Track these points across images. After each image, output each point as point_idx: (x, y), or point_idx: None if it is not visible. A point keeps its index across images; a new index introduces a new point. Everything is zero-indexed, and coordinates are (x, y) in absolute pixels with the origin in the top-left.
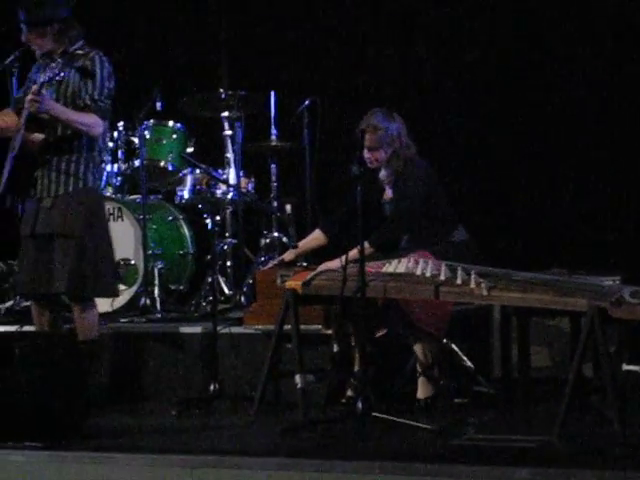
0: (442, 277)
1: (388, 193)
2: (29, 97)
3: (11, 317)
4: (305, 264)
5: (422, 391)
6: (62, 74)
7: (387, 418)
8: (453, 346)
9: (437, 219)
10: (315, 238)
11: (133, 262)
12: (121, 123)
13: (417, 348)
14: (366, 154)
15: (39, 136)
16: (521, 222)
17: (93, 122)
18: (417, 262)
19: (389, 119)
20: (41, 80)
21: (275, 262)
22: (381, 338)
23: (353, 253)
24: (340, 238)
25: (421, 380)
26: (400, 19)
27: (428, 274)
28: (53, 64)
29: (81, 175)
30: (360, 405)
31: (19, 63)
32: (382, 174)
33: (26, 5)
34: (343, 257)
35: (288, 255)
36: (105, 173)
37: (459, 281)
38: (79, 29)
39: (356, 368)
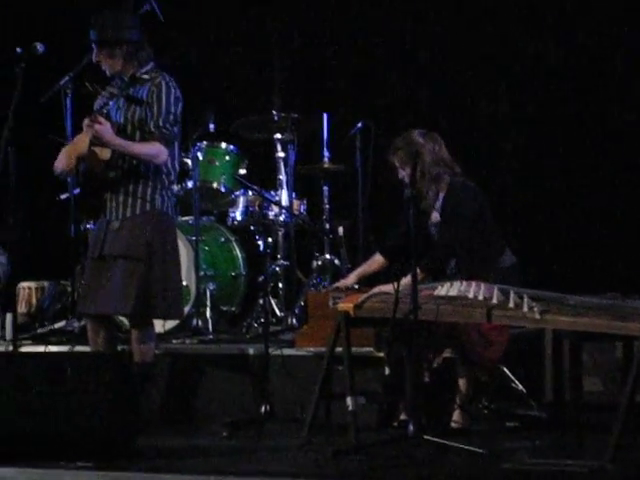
0: (494, 300)
1: (434, 216)
2: (87, 123)
3: (63, 337)
4: (357, 286)
5: (457, 421)
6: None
7: (438, 442)
8: (505, 370)
9: (484, 243)
10: (375, 261)
11: (185, 283)
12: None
13: (460, 379)
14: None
15: (106, 154)
16: (574, 245)
17: (156, 152)
18: (470, 285)
19: (415, 135)
20: (103, 110)
21: (332, 288)
22: (440, 365)
23: (406, 279)
24: (397, 260)
25: (457, 411)
26: (454, 44)
27: (480, 297)
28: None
29: (149, 198)
30: (411, 428)
31: (73, 84)
32: (427, 197)
33: (98, 25)
34: (396, 282)
35: (351, 279)
36: None
37: (511, 304)
38: (150, 52)
39: (408, 391)
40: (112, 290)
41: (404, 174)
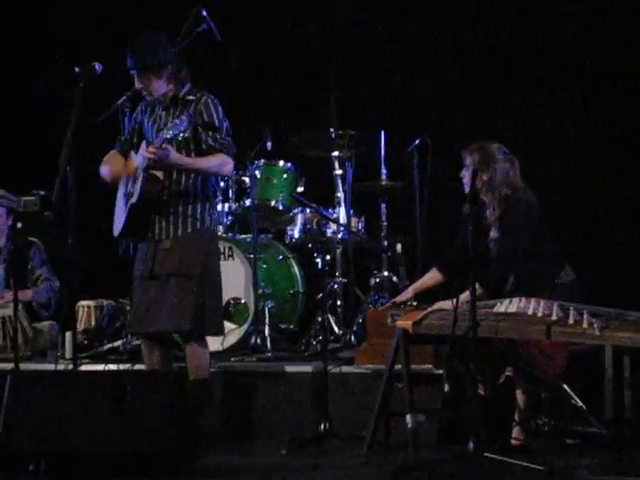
0: (554, 317)
1: (493, 233)
2: (150, 152)
3: (123, 356)
4: (415, 303)
5: (516, 438)
6: (179, 125)
7: (498, 459)
8: (564, 386)
9: (543, 259)
10: (432, 277)
11: (243, 301)
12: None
13: (519, 396)
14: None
15: (159, 177)
16: (634, 261)
17: (222, 162)
18: (529, 302)
19: (493, 148)
20: (165, 137)
21: (389, 304)
22: (502, 383)
23: (465, 295)
24: (453, 276)
25: (517, 428)
26: (515, 60)
27: (540, 314)
28: (162, 110)
29: (198, 216)
30: (471, 445)
31: (130, 103)
32: (487, 213)
33: (138, 50)
34: (454, 299)
35: (406, 295)
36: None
37: (571, 321)
38: (187, 72)
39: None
40: (168, 308)
41: (467, 175)
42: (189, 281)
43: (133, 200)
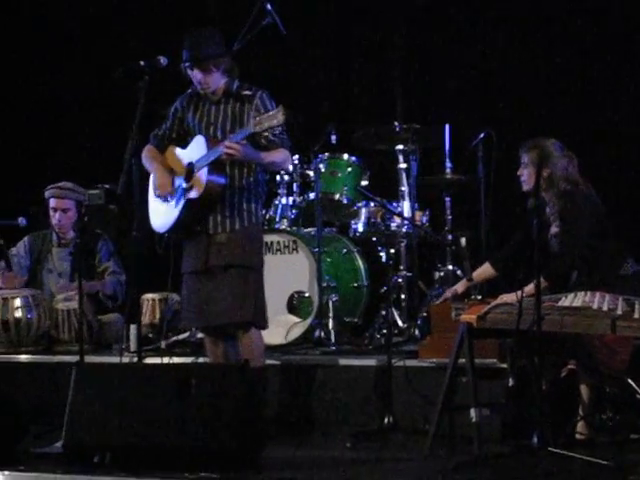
0: (619, 311)
1: (554, 228)
2: (227, 147)
3: (187, 349)
4: (480, 297)
5: (581, 433)
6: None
7: (563, 453)
8: (629, 381)
9: (605, 252)
10: (484, 271)
11: (307, 294)
12: (296, 156)
13: (583, 390)
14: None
15: (223, 172)
16: None
17: (285, 157)
18: (594, 296)
19: (551, 145)
20: (240, 135)
21: (448, 294)
22: (564, 376)
23: (529, 288)
24: (512, 271)
25: (581, 423)
26: (575, 54)
27: (605, 308)
28: (211, 105)
29: (253, 210)
30: (535, 439)
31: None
32: (548, 209)
33: (197, 42)
34: (519, 292)
35: (460, 286)
36: (280, 206)
37: (636, 315)
38: (237, 67)
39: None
40: (229, 299)
41: (524, 172)
42: (249, 272)
43: (193, 195)
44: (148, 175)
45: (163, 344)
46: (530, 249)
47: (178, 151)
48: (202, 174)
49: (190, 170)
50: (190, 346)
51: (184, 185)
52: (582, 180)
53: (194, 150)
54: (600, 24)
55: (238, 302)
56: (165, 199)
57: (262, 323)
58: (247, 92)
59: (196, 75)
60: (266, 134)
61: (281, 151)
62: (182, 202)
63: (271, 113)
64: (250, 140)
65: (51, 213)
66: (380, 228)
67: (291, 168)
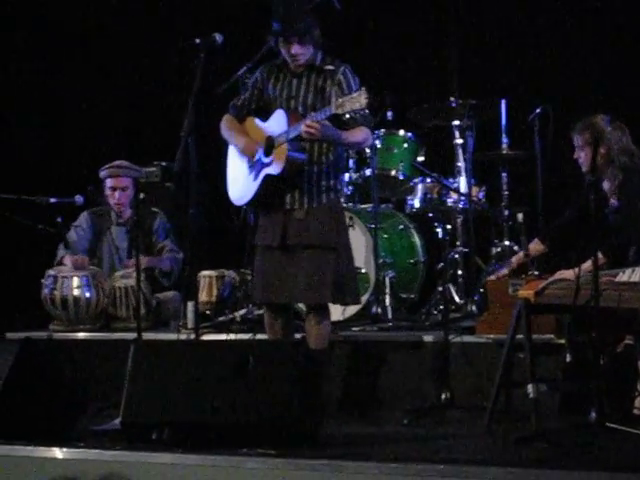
0: None
1: (613, 203)
2: (307, 126)
3: (245, 325)
4: (537, 273)
5: (638, 408)
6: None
7: (620, 428)
8: None
9: None
10: (534, 247)
11: (364, 271)
12: None
13: None
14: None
15: (305, 148)
16: None
17: (365, 136)
18: None
19: (602, 120)
20: (321, 115)
21: (505, 270)
22: (621, 351)
23: (587, 265)
24: (563, 247)
25: (638, 398)
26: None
27: None
28: (294, 77)
29: (332, 187)
30: (593, 415)
31: (250, 74)
32: (605, 184)
33: (294, 15)
34: (577, 268)
35: (516, 260)
36: None
37: None
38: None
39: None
40: (306, 279)
41: (582, 155)
42: (328, 252)
43: (273, 171)
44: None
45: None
46: (587, 225)
47: (258, 123)
48: (283, 150)
49: (270, 144)
50: (248, 323)
51: (264, 159)
52: (637, 150)
53: (274, 124)
54: None
55: (315, 282)
56: (249, 170)
57: (350, 300)
58: (330, 66)
59: (290, 47)
60: (350, 113)
61: (362, 129)
62: (261, 176)
63: (354, 95)
64: (330, 117)
65: (109, 193)
66: (436, 204)
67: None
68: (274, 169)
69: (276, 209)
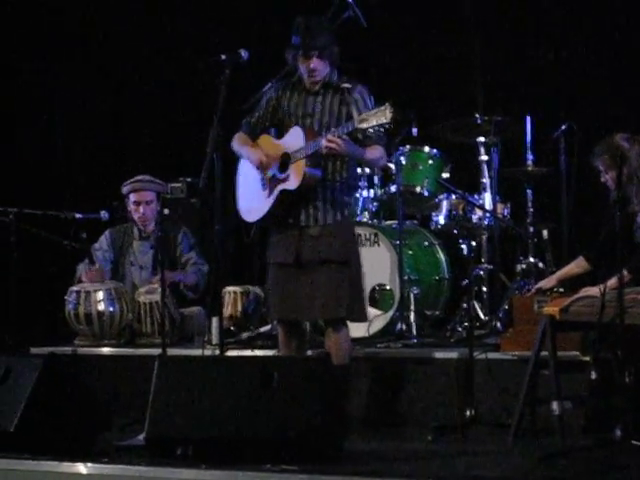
0: None
1: (639, 219)
2: (328, 141)
3: (269, 341)
4: (562, 290)
5: None
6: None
7: None
8: None
9: None
10: (578, 265)
11: (389, 287)
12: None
13: None
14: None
15: (321, 164)
16: None
17: (380, 155)
18: None
19: (620, 139)
20: (343, 129)
21: (534, 290)
22: None
23: (612, 282)
24: (607, 264)
25: None
26: None
27: None
28: (309, 95)
29: (346, 203)
30: (618, 433)
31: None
32: (633, 201)
33: (314, 30)
34: (602, 285)
35: (548, 282)
36: (361, 199)
37: None
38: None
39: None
40: (323, 296)
41: (608, 178)
42: (344, 267)
43: (290, 186)
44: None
45: (245, 336)
46: (614, 242)
47: (272, 140)
48: (300, 165)
49: (286, 160)
50: (272, 339)
51: (279, 175)
52: None
53: (290, 141)
54: None
55: (333, 299)
56: (262, 187)
57: (358, 317)
58: (346, 85)
59: (309, 62)
60: (365, 131)
61: (377, 148)
62: (276, 192)
63: (378, 110)
64: (347, 134)
65: (133, 207)
66: (461, 220)
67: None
68: (290, 184)
69: (290, 226)
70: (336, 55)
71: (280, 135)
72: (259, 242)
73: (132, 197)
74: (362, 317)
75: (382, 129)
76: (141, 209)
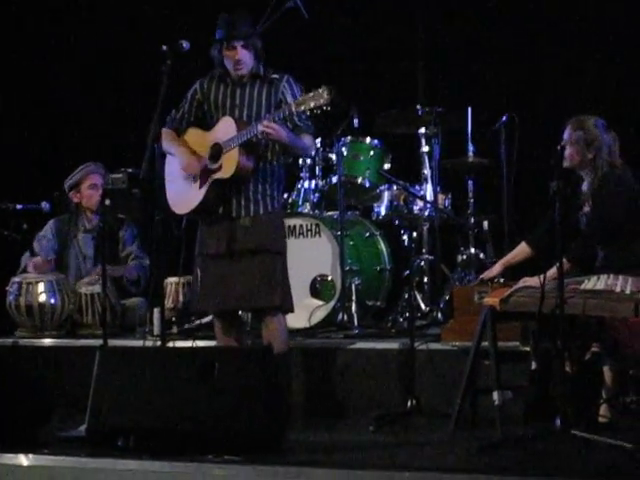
0: None
1: (586, 207)
2: (265, 126)
3: (210, 332)
4: (502, 280)
5: (604, 416)
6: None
7: (586, 436)
8: None
9: (633, 236)
10: (521, 251)
11: (330, 278)
12: (319, 140)
13: (606, 373)
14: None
15: (254, 153)
16: None
17: (311, 143)
18: (617, 279)
19: (599, 125)
20: (279, 115)
21: (477, 281)
22: (587, 359)
23: (552, 272)
24: (542, 250)
25: (605, 406)
26: (599, 34)
27: (628, 291)
28: (238, 87)
29: (276, 195)
30: (558, 422)
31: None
32: (583, 187)
33: (238, 21)
34: (542, 275)
35: (491, 272)
36: (303, 189)
37: None
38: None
39: (554, 385)
40: (256, 284)
41: (568, 149)
42: (276, 257)
43: (222, 175)
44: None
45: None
46: (554, 232)
47: (200, 133)
48: (233, 154)
49: (217, 150)
50: (213, 329)
51: (210, 166)
52: (620, 160)
53: (221, 130)
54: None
55: (267, 287)
56: (193, 179)
57: (289, 307)
58: (274, 75)
59: (234, 53)
60: (294, 119)
61: (307, 137)
62: (208, 183)
63: (315, 93)
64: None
65: (89, 193)
66: (402, 211)
67: (313, 152)
68: (223, 174)
69: (221, 217)
70: (261, 49)
71: (208, 128)
72: (187, 235)
73: (89, 181)
74: (291, 307)
75: (320, 112)
76: (99, 192)
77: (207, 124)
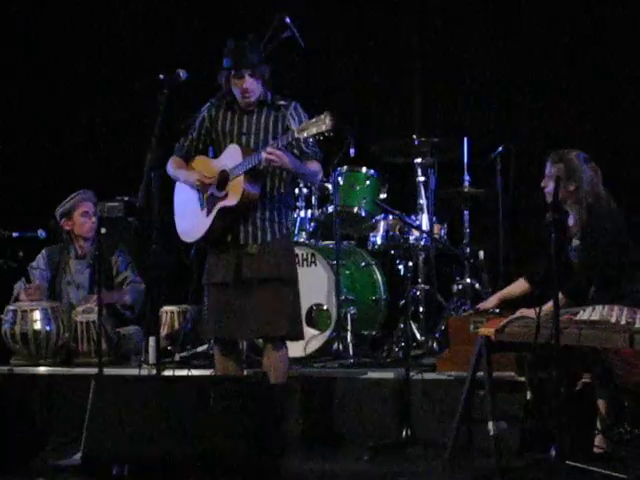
0: (637, 325)
1: (576, 241)
2: (268, 153)
3: (206, 361)
4: (498, 311)
5: (599, 446)
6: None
7: (581, 467)
8: None
9: (624, 267)
10: (519, 286)
11: (326, 307)
12: None
13: (600, 404)
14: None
15: (260, 181)
16: None
17: (319, 169)
18: (612, 309)
19: (579, 157)
20: (282, 141)
21: (474, 309)
22: (581, 389)
23: (548, 305)
24: (541, 286)
25: (599, 436)
26: (595, 67)
27: (623, 322)
28: (244, 114)
29: (283, 222)
30: (553, 453)
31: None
32: (571, 222)
33: (245, 50)
34: (537, 307)
35: (488, 303)
36: (299, 219)
37: None
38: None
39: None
40: (262, 314)
41: (550, 184)
42: (285, 285)
43: (228, 203)
44: (168, 187)
45: (178, 357)
46: (551, 263)
47: (207, 160)
48: (239, 182)
49: (224, 178)
50: (209, 358)
51: (217, 193)
52: (605, 192)
53: (228, 158)
54: (621, 36)
55: (272, 317)
56: (201, 207)
57: (297, 335)
58: (281, 102)
59: (241, 82)
60: (301, 145)
61: (315, 163)
62: (215, 210)
63: (317, 119)
64: (286, 146)
65: (82, 220)
66: (398, 241)
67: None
68: (229, 201)
69: (228, 245)
70: (268, 74)
71: (216, 156)
72: (197, 263)
73: (80, 209)
74: (300, 335)
75: (320, 140)
76: (92, 219)
77: (216, 152)
